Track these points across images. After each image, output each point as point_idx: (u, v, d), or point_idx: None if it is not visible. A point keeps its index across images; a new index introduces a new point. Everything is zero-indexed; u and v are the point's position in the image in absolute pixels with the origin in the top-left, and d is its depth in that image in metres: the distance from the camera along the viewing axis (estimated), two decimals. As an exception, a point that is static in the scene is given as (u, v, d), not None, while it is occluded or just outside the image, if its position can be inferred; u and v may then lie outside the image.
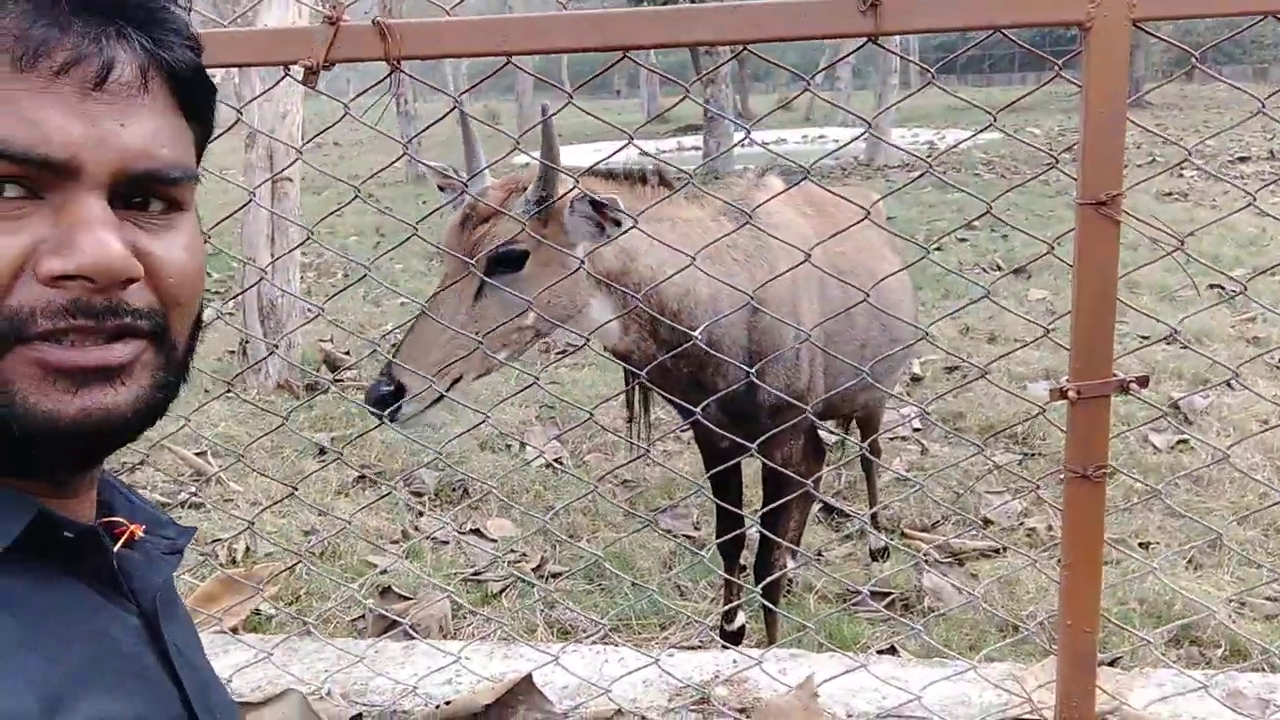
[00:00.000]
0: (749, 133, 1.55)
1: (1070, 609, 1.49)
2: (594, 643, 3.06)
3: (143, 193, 0.60)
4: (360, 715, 1.64)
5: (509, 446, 4.56)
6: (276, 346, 5.26)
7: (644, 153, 1.97)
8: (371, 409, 1.81)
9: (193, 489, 4.21)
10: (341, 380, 5.31)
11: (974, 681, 1.71)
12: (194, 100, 0.64)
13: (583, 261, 1.83)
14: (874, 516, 3.56)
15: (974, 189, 9.62)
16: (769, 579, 2.51)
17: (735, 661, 1.85)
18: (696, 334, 1.88)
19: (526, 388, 3.88)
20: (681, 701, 1.72)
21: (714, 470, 2.51)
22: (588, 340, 2.00)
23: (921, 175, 1.75)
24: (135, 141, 0.58)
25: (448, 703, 1.69)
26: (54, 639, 0.56)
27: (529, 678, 1.72)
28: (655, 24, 1.34)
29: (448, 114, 1.61)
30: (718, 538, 2.83)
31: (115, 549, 0.67)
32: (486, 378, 2.03)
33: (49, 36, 0.55)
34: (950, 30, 1.28)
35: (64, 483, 0.63)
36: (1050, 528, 3.56)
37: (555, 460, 4.31)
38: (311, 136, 3.63)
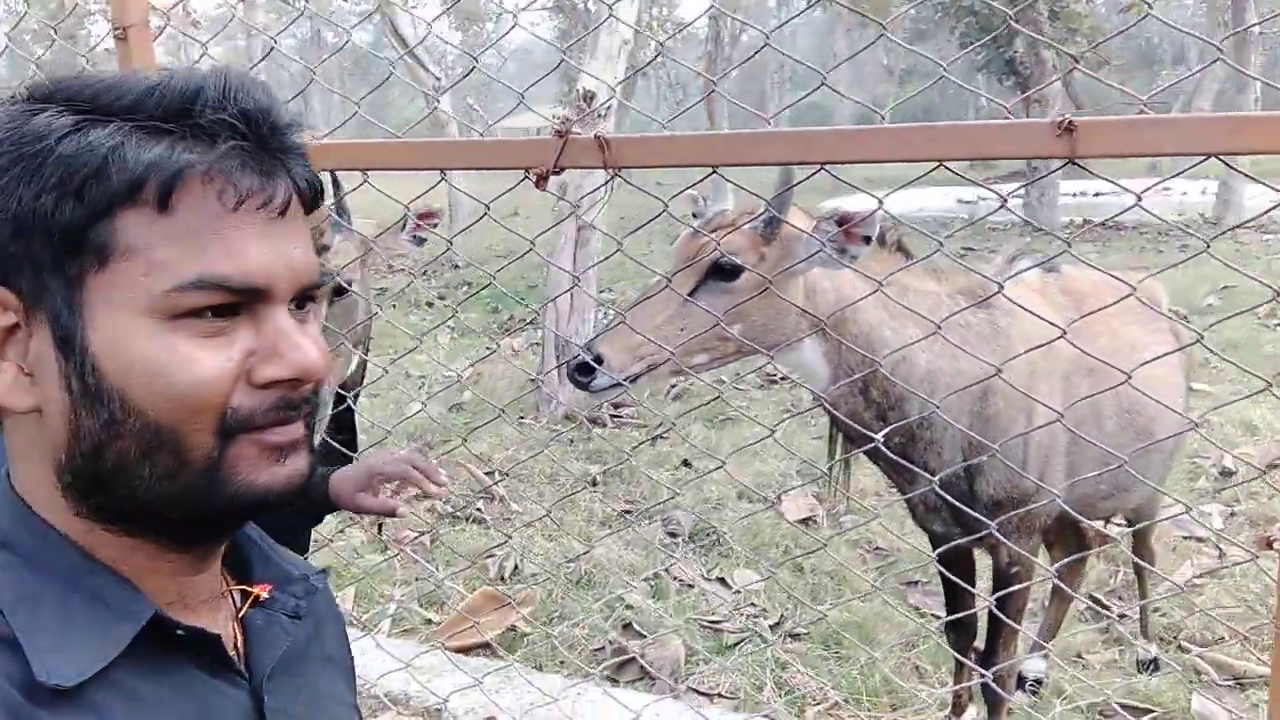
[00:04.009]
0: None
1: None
2: (820, 713, 3.07)
3: (301, 298, 0.69)
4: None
5: (766, 499, 4.63)
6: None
7: (892, 216, 1.98)
8: (572, 374, 1.96)
9: (478, 505, 4.66)
10: (620, 416, 5.63)
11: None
12: (311, 208, 0.71)
13: (770, 281, 1.85)
14: (1144, 624, 3.26)
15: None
16: (995, 670, 2.40)
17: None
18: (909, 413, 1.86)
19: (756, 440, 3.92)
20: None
21: (939, 549, 2.44)
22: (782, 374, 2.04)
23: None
24: (303, 260, 0.67)
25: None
26: None
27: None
28: (858, 143, 1.39)
29: (657, 216, 1.74)
30: (946, 616, 2.73)
31: (240, 613, 0.74)
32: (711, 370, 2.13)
33: (253, 182, 0.63)
34: (1158, 155, 1.23)
35: (211, 550, 0.72)
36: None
37: (808, 517, 4.33)
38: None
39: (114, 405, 0.61)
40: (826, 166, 1.42)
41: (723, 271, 1.98)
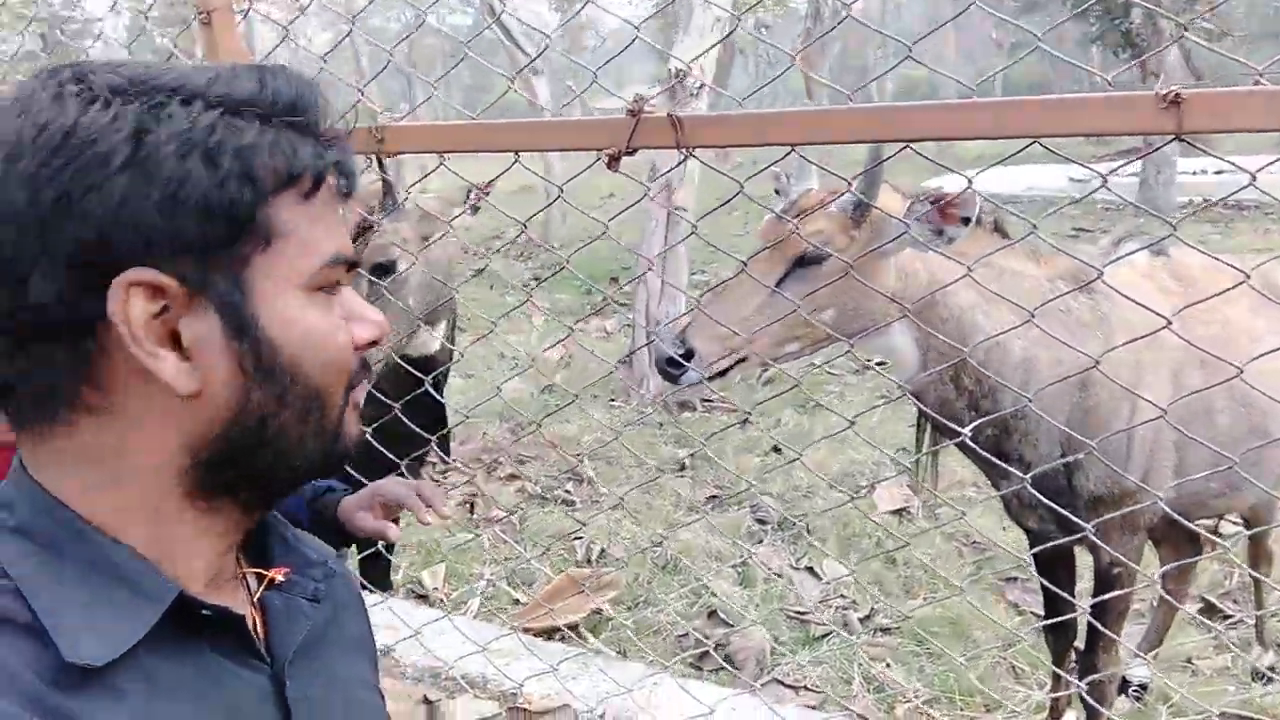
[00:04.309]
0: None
1: None
2: (910, 710, 2.98)
3: None
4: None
5: (859, 487, 4.52)
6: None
7: (986, 196, 1.88)
8: (662, 367, 1.90)
9: (567, 487, 4.69)
10: (710, 400, 5.58)
11: None
12: None
13: (851, 266, 1.74)
14: (1260, 630, 3.07)
15: None
16: (1093, 677, 2.28)
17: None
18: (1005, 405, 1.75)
19: (840, 431, 3.82)
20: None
21: (1035, 548, 2.32)
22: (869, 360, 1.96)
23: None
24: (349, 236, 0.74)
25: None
26: (177, 716, 0.63)
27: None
28: (944, 119, 1.31)
29: (733, 198, 1.68)
30: (1044, 619, 2.61)
31: (257, 595, 0.74)
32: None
33: (354, 173, 0.70)
34: (1273, 130, 1.12)
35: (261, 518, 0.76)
36: None
37: (902, 508, 4.21)
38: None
39: (285, 377, 0.66)
40: (914, 145, 1.34)
41: (810, 256, 1.90)
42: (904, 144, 1.35)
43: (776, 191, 2.19)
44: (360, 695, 0.81)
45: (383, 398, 2.01)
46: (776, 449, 4.98)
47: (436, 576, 3.82)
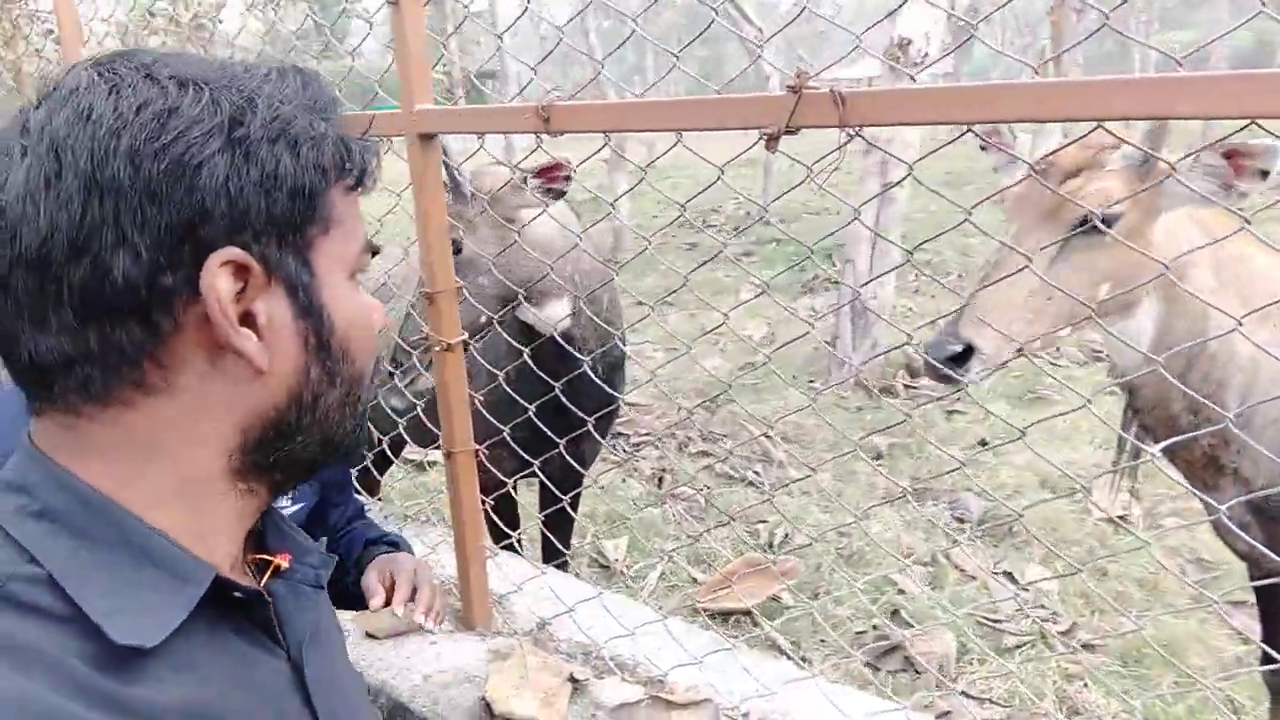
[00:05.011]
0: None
1: None
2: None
3: None
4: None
5: (1073, 490, 4.18)
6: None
7: None
8: (938, 365, 1.70)
9: (756, 469, 4.62)
10: (915, 387, 5.33)
11: None
12: None
13: (1106, 225, 1.54)
14: None
15: None
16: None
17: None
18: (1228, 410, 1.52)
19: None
20: None
21: (1256, 579, 2.04)
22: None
23: None
24: None
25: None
26: (216, 701, 0.63)
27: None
28: (1121, 95, 1.14)
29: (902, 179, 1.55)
30: (1263, 659, 2.31)
31: (263, 583, 0.74)
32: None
33: (375, 171, 0.73)
34: None
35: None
36: None
37: (1121, 516, 3.86)
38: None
39: (339, 356, 0.69)
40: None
41: (1096, 221, 1.72)
42: (1098, 123, 1.19)
43: (982, 148, 1.96)
44: (354, 680, 0.84)
45: (549, 379, 2.03)
46: (983, 442, 4.69)
47: (619, 548, 3.87)
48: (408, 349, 2.22)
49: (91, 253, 0.58)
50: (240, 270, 0.62)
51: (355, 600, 1.43)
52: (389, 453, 2.75)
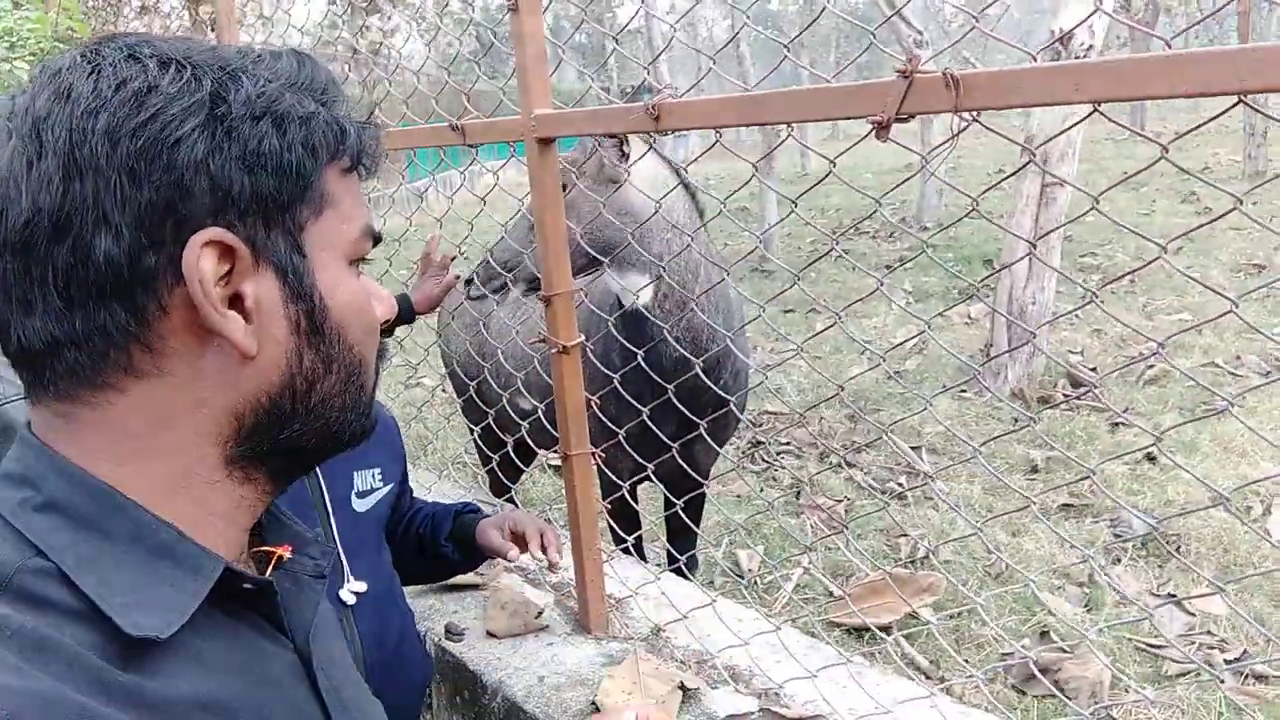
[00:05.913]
0: None
1: None
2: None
3: None
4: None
5: (1250, 509, 3.83)
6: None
7: None
8: None
9: (900, 480, 4.45)
10: (1076, 397, 5.02)
11: None
12: None
13: None
14: None
15: None
16: None
17: None
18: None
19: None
20: None
21: None
22: None
23: None
24: None
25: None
26: (228, 692, 0.62)
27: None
28: (1272, 64, 1.02)
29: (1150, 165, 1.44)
30: None
31: (267, 572, 0.72)
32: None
33: (378, 155, 0.73)
34: None
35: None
36: None
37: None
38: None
39: (335, 341, 0.67)
40: None
41: None
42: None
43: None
44: (354, 670, 0.82)
45: (651, 372, 2.01)
46: (1151, 457, 4.37)
47: (753, 559, 3.80)
48: (499, 269, 2.30)
49: (73, 233, 0.57)
50: (226, 251, 0.60)
51: (460, 565, 1.56)
52: (513, 456, 2.78)
